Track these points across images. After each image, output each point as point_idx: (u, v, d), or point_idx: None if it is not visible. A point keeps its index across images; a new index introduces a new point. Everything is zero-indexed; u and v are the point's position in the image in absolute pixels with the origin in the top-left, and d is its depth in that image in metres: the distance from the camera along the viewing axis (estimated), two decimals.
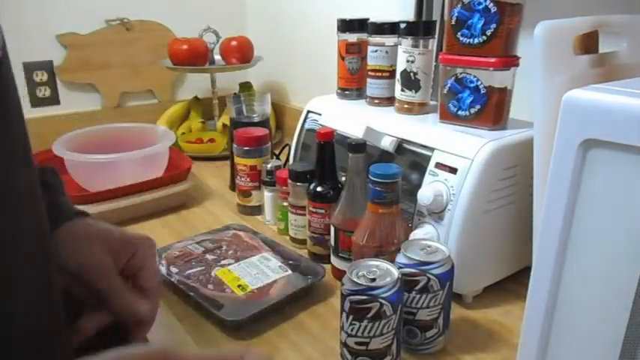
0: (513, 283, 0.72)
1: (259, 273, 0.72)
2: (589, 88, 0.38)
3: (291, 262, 0.76)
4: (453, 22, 0.70)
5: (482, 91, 0.70)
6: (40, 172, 0.50)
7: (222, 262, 0.75)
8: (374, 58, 0.86)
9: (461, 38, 0.70)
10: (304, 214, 0.82)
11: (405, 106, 0.82)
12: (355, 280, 0.53)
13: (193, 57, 1.29)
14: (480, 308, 0.69)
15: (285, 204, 0.87)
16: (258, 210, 0.97)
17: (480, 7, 0.67)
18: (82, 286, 0.49)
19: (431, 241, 0.61)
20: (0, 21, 0.36)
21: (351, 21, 0.91)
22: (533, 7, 0.69)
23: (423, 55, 0.79)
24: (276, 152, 1.08)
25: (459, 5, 0.69)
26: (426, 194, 0.66)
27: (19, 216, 0.35)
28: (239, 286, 0.69)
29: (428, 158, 0.70)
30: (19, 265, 0.35)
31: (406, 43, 0.79)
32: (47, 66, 1.32)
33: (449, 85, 0.72)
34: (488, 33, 0.67)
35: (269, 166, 0.91)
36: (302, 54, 1.41)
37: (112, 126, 1.14)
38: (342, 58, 0.93)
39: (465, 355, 0.61)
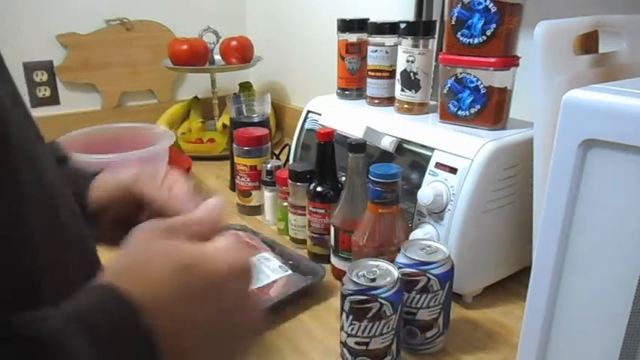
0: (513, 283, 0.72)
1: (259, 273, 0.72)
2: (589, 88, 0.38)
3: (291, 262, 0.76)
4: (453, 22, 0.70)
5: (482, 91, 0.70)
6: (52, 146, 0.55)
7: None
8: (374, 58, 0.86)
9: (461, 38, 0.70)
10: (304, 214, 0.82)
11: (405, 106, 0.82)
12: (355, 280, 0.53)
13: (193, 57, 1.29)
14: (479, 308, 0.69)
15: (285, 204, 0.87)
16: (258, 210, 0.97)
17: (480, 7, 0.67)
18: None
19: (431, 241, 0.61)
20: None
21: (351, 21, 0.91)
22: (533, 7, 0.69)
23: (423, 55, 0.79)
24: (276, 152, 1.08)
25: (459, 5, 0.69)
26: (426, 194, 0.66)
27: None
28: None
29: (428, 158, 0.70)
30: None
31: (406, 43, 0.79)
32: (47, 66, 1.32)
33: (449, 85, 0.72)
34: (488, 33, 0.67)
35: (269, 166, 0.91)
36: (302, 54, 1.41)
37: (112, 126, 1.14)
38: (342, 58, 0.93)
39: (465, 355, 0.61)
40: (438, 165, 0.68)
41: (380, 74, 0.86)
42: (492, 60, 0.68)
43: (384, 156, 0.75)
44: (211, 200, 0.43)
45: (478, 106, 0.71)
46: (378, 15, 0.91)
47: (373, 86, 0.88)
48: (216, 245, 0.37)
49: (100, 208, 0.52)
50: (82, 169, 0.57)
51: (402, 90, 0.81)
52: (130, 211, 0.52)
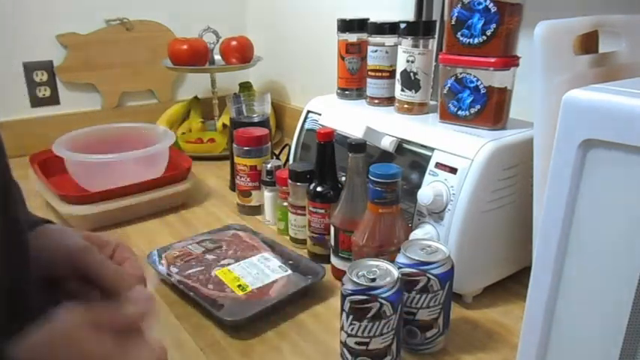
0: (513, 283, 0.72)
1: (259, 273, 0.72)
2: (589, 88, 0.38)
3: (291, 262, 0.76)
4: (453, 22, 0.70)
5: (482, 91, 0.70)
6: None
7: (222, 262, 0.75)
8: (374, 58, 0.86)
9: (461, 38, 0.70)
10: (304, 214, 0.82)
11: (405, 106, 0.82)
12: (355, 280, 0.53)
13: (193, 57, 1.29)
14: (479, 308, 0.69)
15: (285, 204, 0.87)
16: (258, 210, 0.97)
17: (480, 7, 0.67)
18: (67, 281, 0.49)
19: (431, 241, 0.61)
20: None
21: (351, 21, 0.91)
22: (533, 7, 0.69)
23: (423, 55, 0.79)
24: (276, 152, 1.08)
25: (459, 5, 0.69)
26: (426, 194, 0.66)
27: None
28: (239, 286, 0.69)
29: (428, 158, 0.70)
30: None
31: (406, 43, 0.79)
32: (47, 66, 1.33)
33: (449, 85, 0.73)
34: (488, 33, 0.67)
35: (269, 166, 0.91)
36: (302, 54, 1.41)
37: (112, 126, 1.14)
38: (342, 58, 0.93)
39: (465, 355, 0.61)
40: (438, 165, 0.68)
41: (380, 74, 0.86)
42: (492, 60, 0.68)
43: (384, 156, 0.75)
44: (141, 292, 0.45)
45: (478, 106, 0.71)
46: (378, 15, 0.91)
47: (373, 86, 0.88)
48: (135, 344, 0.39)
49: (41, 268, 0.48)
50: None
51: (402, 90, 0.81)
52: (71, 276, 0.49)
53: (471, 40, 0.69)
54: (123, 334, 0.39)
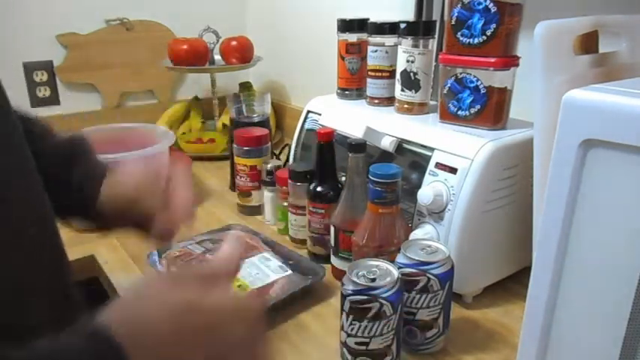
0: (513, 283, 0.72)
1: (259, 273, 0.72)
2: (589, 88, 0.38)
3: (291, 262, 0.76)
4: (453, 22, 0.70)
5: (482, 91, 0.70)
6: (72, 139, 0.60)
7: None
8: (374, 58, 0.86)
9: (461, 38, 0.70)
10: (304, 214, 0.82)
11: (405, 106, 0.82)
12: (355, 280, 0.53)
13: (193, 57, 1.29)
14: (479, 308, 0.69)
15: (285, 204, 0.87)
16: (258, 210, 0.97)
17: (480, 7, 0.67)
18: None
19: (431, 241, 0.61)
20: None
21: (351, 21, 0.91)
22: (533, 7, 0.69)
23: (423, 55, 0.79)
24: (276, 152, 1.08)
25: (459, 5, 0.69)
26: (426, 194, 0.66)
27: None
28: (239, 286, 0.69)
29: (428, 158, 0.70)
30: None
31: (406, 43, 0.79)
32: (47, 66, 1.32)
33: (449, 85, 0.72)
34: (488, 33, 0.67)
35: (269, 166, 0.91)
36: (302, 54, 1.41)
37: (112, 126, 1.14)
38: (342, 58, 0.93)
39: (465, 355, 0.61)
40: (438, 165, 0.68)
41: (380, 74, 0.86)
42: (492, 60, 0.68)
43: (384, 156, 0.75)
44: (228, 245, 0.43)
45: (478, 106, 0.71)
46: (378, 15, 0.91)
47: (373, 86, 0.88)
48: (224, 292, 0.39)
49: (105, 215, 0.57)
50: (91, 166, 0.60)
51: (402, 90, 0.81)
52: (135, 219, 0.57)
53: (471, 40, 0.69)
54: (208, 283, 0.38)
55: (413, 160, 0.72)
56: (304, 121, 0.94)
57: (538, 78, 0.50)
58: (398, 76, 0.81)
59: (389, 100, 0.87)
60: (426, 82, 0.80)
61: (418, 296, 0.58)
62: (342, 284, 0.55)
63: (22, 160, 0.44)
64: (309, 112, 0.94)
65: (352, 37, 0.91)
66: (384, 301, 0.53)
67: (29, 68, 1.30)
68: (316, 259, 0.79)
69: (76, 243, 0.88)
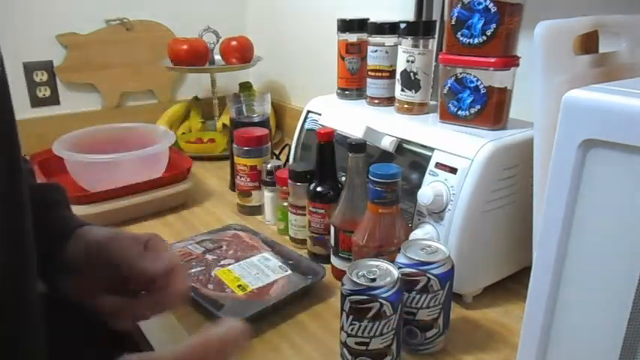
0: (513, 283, 0.72)
1: (259, 273, 0.72)
2: (589, 88, 0.38)
3: (291, 262, 0.76)
4: (453, 22, 0.70)
5: (482, 91, 0.70)
6: (47, 187, 0.54)
7: (222, 262, 0.75)
8: (374, 58, 0.86)
9: (461, 38, 0.70)
10: (304, 214, 0.82)
11: (405, 106, 0.82)
12: (355, 280, 0.53)
13: (193, 57, 1.29)
14: (480, 308, 0.69)
15: (285, 204, 0.87)
16: (258, 210, 0.97)
17: (480, 7, 0.67)
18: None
19: (431, 241, 0.61)
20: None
21: (351, 21, 0.91)
22: (533, 7, 0.69)
23: (423, 55, 0.79)
24: (276, 152, 1.08)
25: (459, 5, 0.69)
26: (426, 194, 0.66)
27: None
28: (239, 286, 0.69)
29: (428, 158, 0.70)
30: None
31: (406, 43, 0.79)
32: (47, 66, 1.32)
33: (449, 85, 0.72)
34: (488, 33, 0.67)
35: (269, 166, 0.91)
36: (302, 54, 1.41)
37: (112, 126, 1.14)
38: (342, 58, 0.93)
39: (465, 355, 0.61)
40: (438, 165, 0.68)
41: (380, 74, 0.86)
42: (492, 60, 0.68)
43: (384, 156, 0.75)
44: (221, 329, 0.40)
45: (478, 106, 0.71)
46: (378, 15, 0.91)
47: (373, 86, 0.88)
48: None
49: (76, 261, 0.51)
50: (64, 219, 0.55)
51: (402, 90, 0.81)
52: (107, 272, 0.51)
53: (471, 40, 0.69)
54: None
55: (413, 160, 0.72)
56: (304, 121, 0.94)
57: (538, 78, 0.50)
58: (398, 76, 0.81)
59: (389, 100, 0.87)
60: (426, 82, 0.80)
61: (418, 296, 0.58)
62: (342, 284, 0.55)
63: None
64: (309, 112, 0.94)
65: (352, 37, 0.91)
66: (384, 301, 0.53)
67: (29, 68, 1.30)
68: (316, 259, 0.79)
69: None
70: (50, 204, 0.54)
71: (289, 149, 0.99)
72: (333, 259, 0.75)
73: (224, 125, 1.33)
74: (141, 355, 0.37)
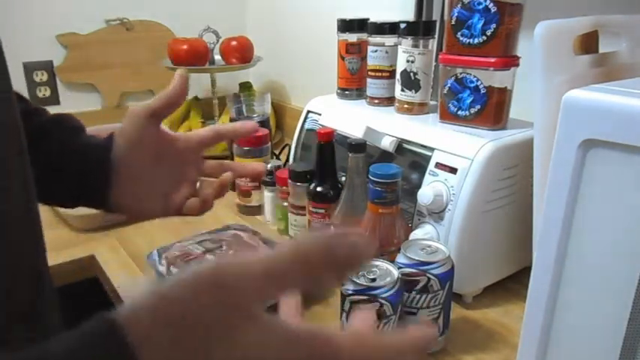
0: (513, 283, 0.72)
1: None
2: (589, 88, 0.38)
3: None
4: (453, 22, 0.70)
5: (482, 91, 0.70)
6: (65, 118, 0.59)
7: None
8: (374, 58, 0.86)
9: (461, 38, 0.70)
10: (304, 214, 0.82)
11: (405, 106, 0.82)
12: (355, 280, 0.53)
13: (193, 57, 1.29)
14: (480, 308, 0.69)
15: (285, 204, 0.87)
16: (258, 210, 0.97)
17: (480, 7, 0.67)
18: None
19: (431, 241, 0.61)
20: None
21: (351, 21, 0.91)
22: (533, 7, 0.69)
23: (423, 55, 0.79)
24: (276, 152, 1.08)
25: (459, 5, 0.69)
26: (426, 194, 0.66)
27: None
28: None
29: (428, 158, 0.70)
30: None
31: (406, 43, 0.79)
32: (47, 66, 1.32)
33: (449, 85, 0.72)
34: (488, 33, 0.67)
35: (269, 166, 0.91)
36: (302, 54, 1.41)
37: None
38: (342, 58, 0.93)
39: (465, 355, 0.61)
40: (438, 165, 0.68)
41: (380, 74, 0.86)
42: (492, 60, 0.68)
43: (384, 156, 0.75)
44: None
45: (478, 106, 0.71)
46: (378, 15, 0.91)
47: (373, 86, 0.88)
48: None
49: (128, 161, 0.55)
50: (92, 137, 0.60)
51: (402, 90, 0.81)
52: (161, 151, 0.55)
53: (471, 40, 0.69)
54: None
55: (413, 160, 0.72)
56: (304, 121, 0.94)
57: (538, 78, 0.50)
58: (398, 76, 0.81)
59: (389, 100, 0.87)
60: (426, 82, 0.80)
61: (418, 296, 0.58)
62: (342, 284, 0.55)
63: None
64: (309, 112, 0.94)
65: (352, 37, 0.91)
66: (384, 301, 0.53)
67: (29, 68, 1.30)
68: None
69: (76, 243, 0.88)
70: (76, 127, 0.60)
71: (289, 149, 0.99)
72: None
73: None
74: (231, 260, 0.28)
